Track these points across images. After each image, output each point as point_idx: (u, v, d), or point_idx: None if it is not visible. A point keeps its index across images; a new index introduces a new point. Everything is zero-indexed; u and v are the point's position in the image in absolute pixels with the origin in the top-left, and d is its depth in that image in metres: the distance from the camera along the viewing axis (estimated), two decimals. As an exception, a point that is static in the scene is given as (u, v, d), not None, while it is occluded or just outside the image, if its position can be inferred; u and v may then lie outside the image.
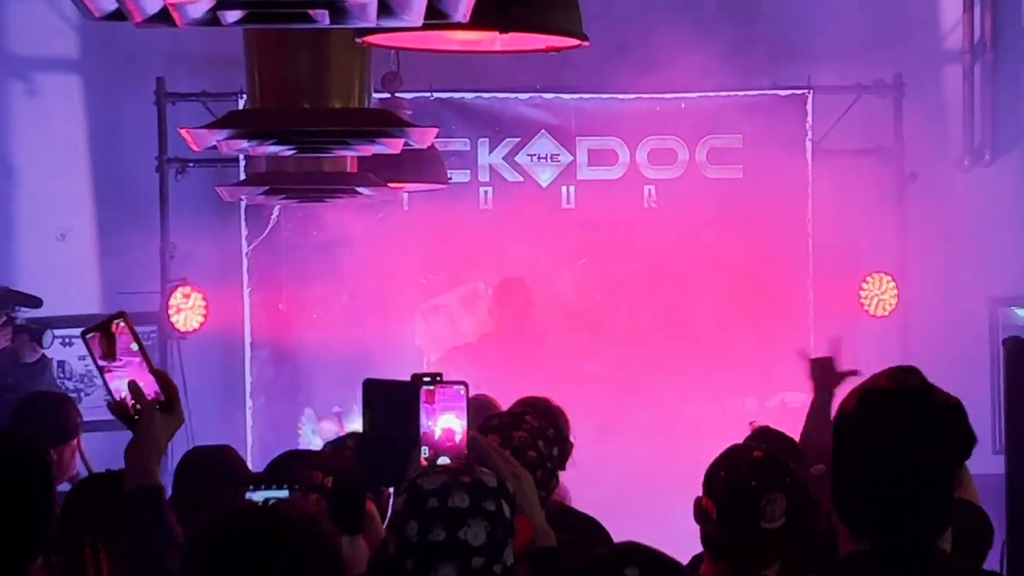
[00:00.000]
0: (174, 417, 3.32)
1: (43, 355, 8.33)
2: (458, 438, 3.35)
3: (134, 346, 3.26)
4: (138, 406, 3.26)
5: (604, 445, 8.44)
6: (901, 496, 2.89)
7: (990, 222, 10.06)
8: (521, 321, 9.08)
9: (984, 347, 9.94)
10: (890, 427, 2.92)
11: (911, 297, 9.77)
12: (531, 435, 4.37)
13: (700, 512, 3.90)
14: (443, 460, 3.33)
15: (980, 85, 10.21)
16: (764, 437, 5.23)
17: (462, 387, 3.42)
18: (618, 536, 5.17)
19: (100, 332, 3.25)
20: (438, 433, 3.35)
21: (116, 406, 3.28)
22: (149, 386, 3.27)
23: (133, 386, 3.25)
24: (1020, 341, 7.50)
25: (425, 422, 3.36)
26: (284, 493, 2.93)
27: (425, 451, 3.36)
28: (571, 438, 5.39)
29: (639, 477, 8.79)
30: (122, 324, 3.25)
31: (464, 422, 3.37)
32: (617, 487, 8.31)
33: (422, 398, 3.38)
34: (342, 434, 5.30)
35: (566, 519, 5.06)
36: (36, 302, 8.52)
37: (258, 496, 2.93)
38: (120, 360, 3.25)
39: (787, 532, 3.81)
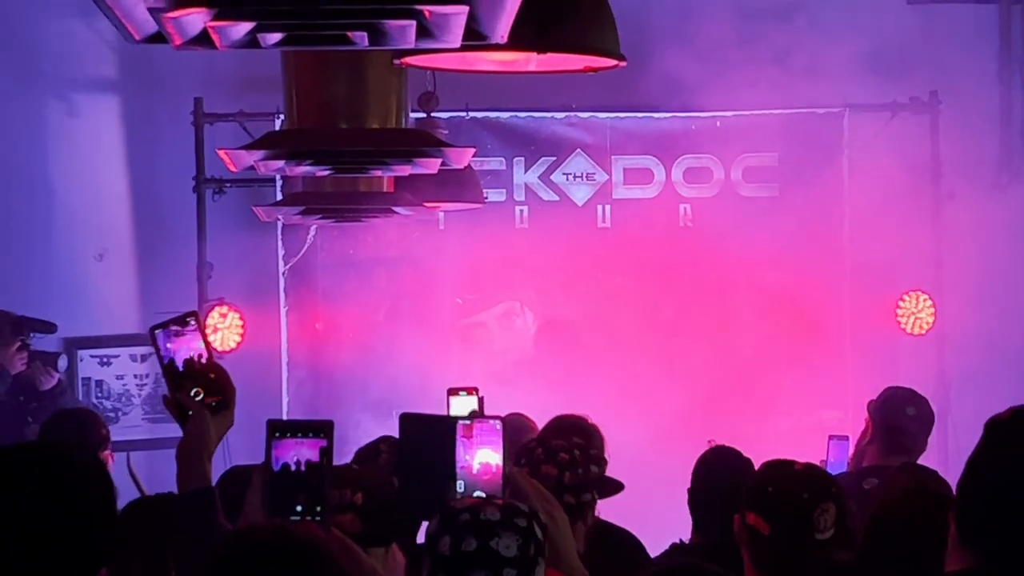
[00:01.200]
0: (226, 418, 3.34)
1: (60, 380, 8.38)
2: (494, 471, 3.36)
3: (201, 343, 3.29)
4: (195, 393, 3.27)
5: (640, 466, 8.41)
6: None
7: (1028, 240, 10.01)
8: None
9: (1021, 367, 9.88)
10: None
11: (948, 315, 9.73)
12: (560, 468, 4.38)
13: (745, 530, 3.90)
14: (478, 494, 3.34)
15: (1017, 103, 10.18)
16: (720, 453, 5.30)
17: (498, 422, 3.43)
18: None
19: (171, 325, 3.28)
20: (476, 467, 3.36)
21: (171, 399, 3.30)
22: (213, 371, 3.30)
23: (196, 367, 3.27)
24: (1059, 359, 7.49)
25: (462, 456, 3.37)
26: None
27: (461, 485, 3.37)
28: (606, 456, 5.40)
29: (676, 498, 8.76)
30: (193, 322, 3.29)
31: (500, 456, 3.38)
32: (656, 511, 8.30)
33: (459, 432, 3.39)
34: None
35: (604, 535, 5.07)
36: (50, 328, 8.57)
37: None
38: (186, 340, 3.28)
39: (836, 541, 3.84)
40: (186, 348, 3.28)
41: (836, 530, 3.82)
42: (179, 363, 3.28)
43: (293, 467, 2.94)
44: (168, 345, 3.28)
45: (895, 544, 3.46)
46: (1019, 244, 9.98)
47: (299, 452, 2.95)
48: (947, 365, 9.71)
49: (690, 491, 5.24)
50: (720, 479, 5.10)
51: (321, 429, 2.97)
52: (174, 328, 3.27)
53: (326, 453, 2.96)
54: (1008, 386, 9.25)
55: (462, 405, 4.26)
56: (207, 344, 3.31)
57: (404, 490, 3.66)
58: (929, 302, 9.74)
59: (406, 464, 3.65)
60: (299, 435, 2.97)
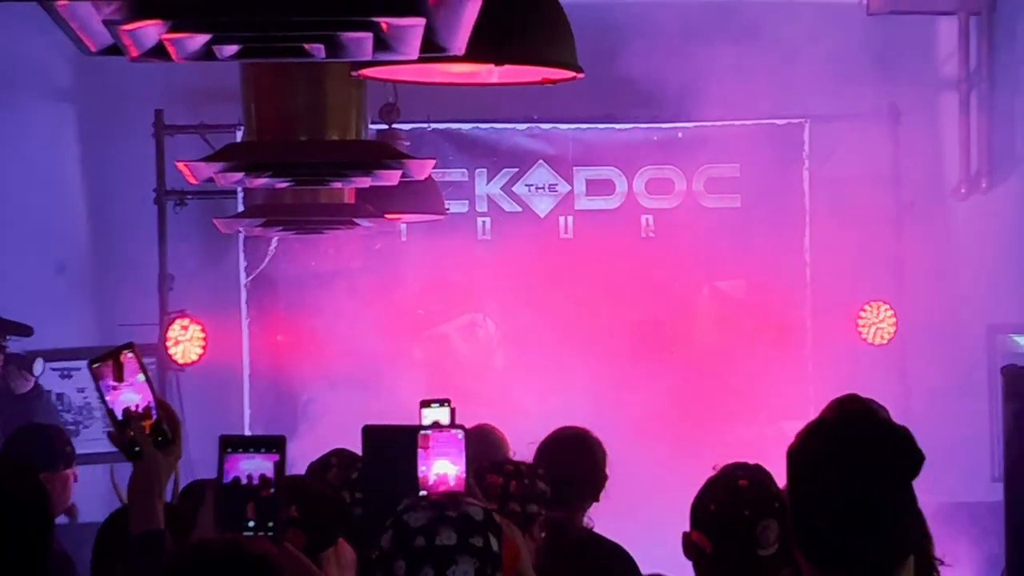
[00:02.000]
0: (173, 452, 3.31)
1: (36, 383, 8.32)
2: (452, 482, 3.34)
3: (140, 377, 3.26)
4: (141, 430, 3.24)
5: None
6: (860, 524, 2.88)
7: (987, 250, 10.06)
8: None
9: (983, 375, 9.93)
10: (835, 455, 2.91)
11: (909, 325, 9.77)
12: (506, 478, 4.40)
13: (691, 547, 3.90)
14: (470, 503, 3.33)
15: (976, 113, 10.23)
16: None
17: (460, 432, 3.41)
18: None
19: (108, 361, 3.25)
20: (432, 478, 3.34)
21: (117, 438, 3.28)
22: (153, 412, 3.27)
23: (136, 415, 3.25)
24: (1018, 369, 7.51)
25: (420, 466, 3.36)
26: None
27: (423, 495, 3.36)
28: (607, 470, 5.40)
29: (641, 508, 8.77)
30: (130, 354, 3.25)
31: (459, 467, 3.36)
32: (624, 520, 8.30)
33: (419, 443, 3.38)
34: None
35: (593, 547, 5.07)
36: (27, 331, 8.52)
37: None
38: (124, 386, 3.25)
39: (780, 557, 3.82)
40: (124, 399, 3.25)
41: (780, 546, 3.81)
42: (118, 413, 3.25)
43: (245, 482, 2.92)
44: (107, 397, 3.25)
45: None
46: (979, 253, 10.03)
47: (251, 467, 2.93)
48: (908, 375, 9.74)
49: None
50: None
51: (274, 444, 2.96)
52: (112, 383, 3.23)
53: (279, 468, 2.94)
54: (966, 396, 9.31)
55: (434, 417, 4.27)
56: (147, 378, 3.27)
57: (368, 501, 3.65)
58: (890, 312, 9.78)
59: (370, 476, 3.64)
60: (251, 450, 2.95)
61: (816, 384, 9.35)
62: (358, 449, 4.39)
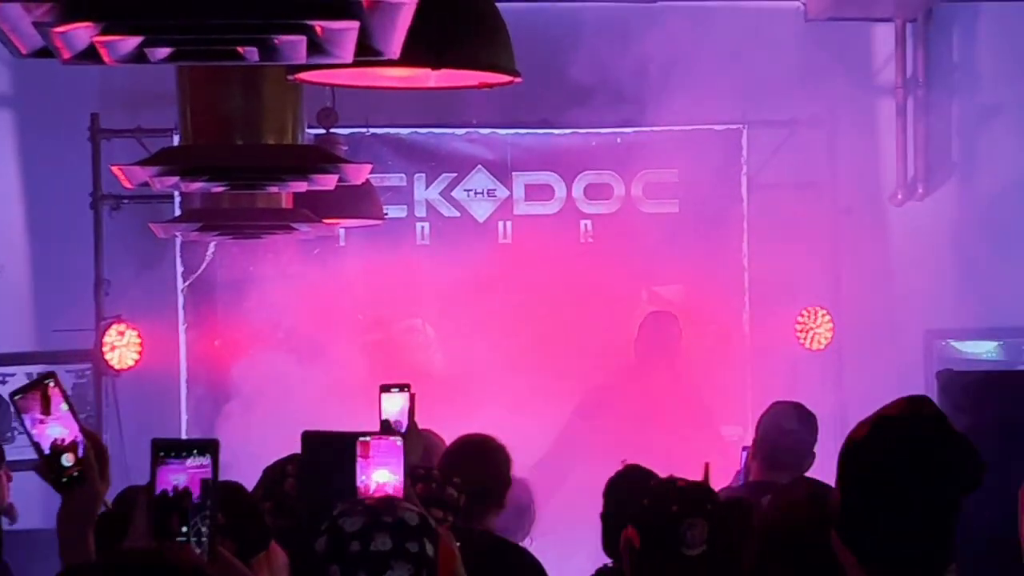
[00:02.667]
0: (103, 479, 3.27)
1: None
2: (390, 491, 3.32)
3: (64, 407, 3.21)
4: (69, 466, 3.20)
5: (541, 481, 8.42)
6: (916, 528, 2.89)
7: (924, 256, 10.13)
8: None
9: (919, 380, 9.99)
10: (904, 457, 2.91)
11: (847, 331, 9.82)
12: (413, 480, 4.40)
13: (626, 543, 3.90)
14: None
15: (913, 119, 10.30)
16: (631, 474, 5.26)
17: (399, 439, 3.39)
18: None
19: (35, 392, 3.20)
20: (372, 487, 3.32)
21: (44, 471, 3.23)
22: (80, 446, 3.23)
23: (62, 447, 3.20)
24: (953, 374, 7.57)
25: (359, 475, 3.34)
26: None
27: (359, 500, 3.33)
28: (512, 474, 5.40)
29: (579, 514, 8.77)
30: (54, 386, 3.21)
31: (398, 476, 3.34)
32: (562, 527, 8.31)
33: (358, 451, 3.35)
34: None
35: (500, 552, 5.06)
36: None
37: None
38: (51, 419, 3.20)
39: (707, 559, 3.81)
40: (51, 432, 3.21)
41: (709, 548, 3.80)
42: (45, 447, 3.21)
43: (174, 489, 2.88)
44: (33, 430, 3.21)
45: (784, 558, 3.46)
46: (916, 259, 10.10)
47: (184, 472, 2.89)
48: (845, 380, 9.79)
49: (603, 516, 5.16)
50: (633, 500, 5.07)
51: (206, 448, 2.92)
52: (39, 416, 3.19)
53: (212, 473, 2.91)
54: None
55: (393, 402, 4.24)
56: (71, 408, 3.23)
57: (305, 507, 3.63)
58: (827, 317, 9.82)
59: (308, 483, 3.61)
60: (184, 455, 2.91)
61: (754, 389, 9.38)
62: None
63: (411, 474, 4.42)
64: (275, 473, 4.98)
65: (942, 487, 2.90)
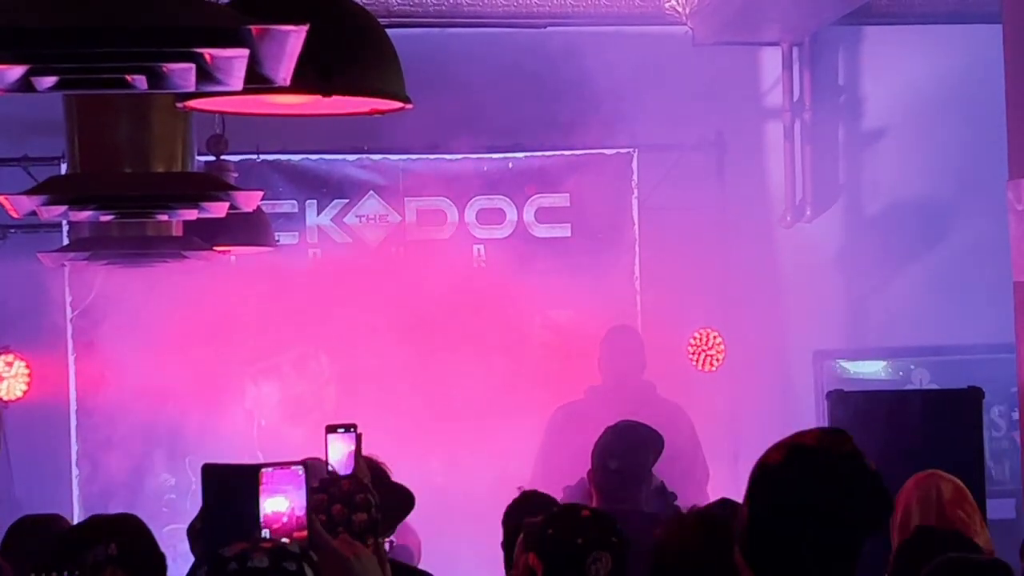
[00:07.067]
0: None
1: None
2: (285, 519, 3.30)
3: None
4: None
5: (441, 507, 8.41)
6: (819, 558, 2.91)
7: (813, 277, 10.24)
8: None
9: (810, 400, 10.10)
10: (816, 489, 2.93)
11: (738, 352, 9.89)
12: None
13: (526, 570, 3.90)
14: (284, 541, 3.29)
15: (800, 142, 10.41)
16: (528, 500, 5.26)
17: (300, 468, 3.38)
18: None
19: None
20: (263, 516, 3.31)
21: None
22: None
23: None
24: (843, 394, 7.66)
25: (262, 505, 3.32)
26: None
27: (266, 533, 3.32)
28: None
29: (479, 541, 8.77)
30: None
31: (295, 503, 3.32)
32: (462, 554, 8.30)
33: (260, 480, 3.34)
34: None
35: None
36: None
37: None
38: None
39: None
40: None
41: None
42: None
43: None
44: None
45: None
46: (804, 281, 10.20)
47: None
48: (737, 401, 9.86)
49: (504, 544, 5.15)
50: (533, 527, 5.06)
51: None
52: None
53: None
54: (795, 420, 9.43)
55: (339, 443, 4.19)
56: None
57: (209, 541, 3.59)
58: (719, 339, 9.89)
59: (210, 516, 3.58)
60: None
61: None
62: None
63: (324, 488, 4.38)
64: None
65: (851, 525, 2.92)
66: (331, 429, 4.16)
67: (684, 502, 6.23)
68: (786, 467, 2.97)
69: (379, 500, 4.44)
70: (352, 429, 4.16)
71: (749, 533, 2.97)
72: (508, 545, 5.04)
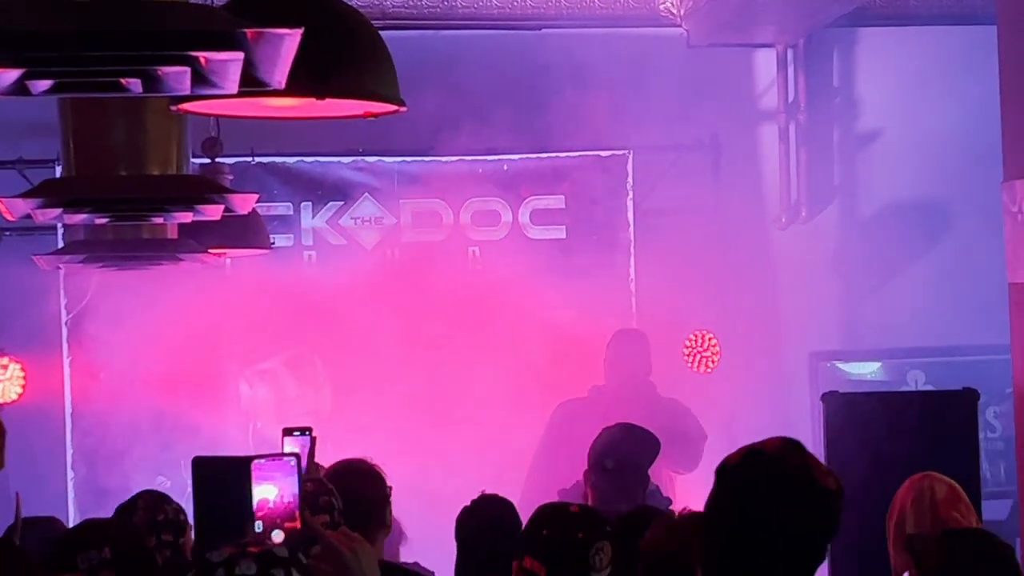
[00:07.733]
0: None
1: None
2: (272, 505, 3.29)
3: None
4: None
5: (434, 509, 8.41)
6: (769, 558, 2.94)
7: (808, 278, 10.24)
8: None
9: (806, 402, 10.10)
10: (764, 492, 2.99)
11: (733, 354, 9.89)
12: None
13: (523, 574, 3.91)
14: (277, 532, 3.28)
15: (795, 144, 10.42)
16: (486, 503, 5.28)
17: (292, 459, 3.37)
18: None
19: None
20: (253, 504, 3.30)
21: None
22: None
23: None
24: (839, 396, 7.65)
25: (253, 495, 3.31)
26: None
27: (259, 526, 3.31)
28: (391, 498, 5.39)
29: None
30: None
31: (282, 490, 3.31)
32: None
33: (251, 471, 3.33)
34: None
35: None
36: None
37: None
38: None
39: None
40: None
41: (613, 569, 3.85)
42: None
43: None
44: None
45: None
46: (800, 282, 10.20)
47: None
48: (733, 402, 9.85)
49: (459, 551, 5.16)
50: (487, 528, 5.09)
51: None
52: None
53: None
54: (790, 422, 9.44)
55: (294, 446, 4.20)
56: None
57: (200, 534, 3.59)
58: (715, 341, 9.89)
59: (202, 509, 3.57)
60: None
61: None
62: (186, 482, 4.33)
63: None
64: (126, 508, 4.97)
65: (796, 533, 2.97)
66: (287, 432, 4.18)
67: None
68: (740, 469, 3.05)
69: (342, 505, 4.46)
70: (307, 432, 4.17)
71: (705, 529, 3.03)
72: (466, 551, 5.06)
